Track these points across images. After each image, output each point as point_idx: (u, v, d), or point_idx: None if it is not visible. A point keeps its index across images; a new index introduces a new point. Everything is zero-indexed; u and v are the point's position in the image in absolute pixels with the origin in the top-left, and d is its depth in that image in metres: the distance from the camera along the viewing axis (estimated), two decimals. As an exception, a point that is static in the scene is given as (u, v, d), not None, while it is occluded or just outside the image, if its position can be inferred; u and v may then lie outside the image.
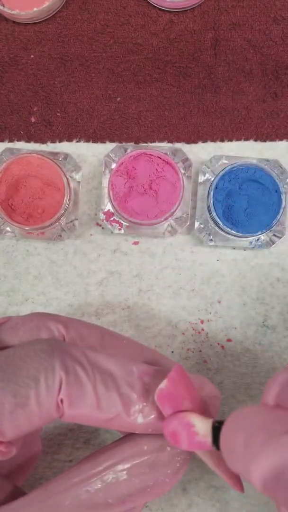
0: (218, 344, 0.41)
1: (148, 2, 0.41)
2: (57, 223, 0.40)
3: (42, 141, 0.42)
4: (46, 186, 0.39)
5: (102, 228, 0.41)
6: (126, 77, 0.42)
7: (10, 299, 0.41)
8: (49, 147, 0.42)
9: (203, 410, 0.30)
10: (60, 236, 0.40)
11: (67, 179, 0.39)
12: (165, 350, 0.41)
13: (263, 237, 0.40)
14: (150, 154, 0.39)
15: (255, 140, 0.42)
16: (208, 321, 0.41)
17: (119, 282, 0.41)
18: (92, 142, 0.42)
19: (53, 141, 0.42)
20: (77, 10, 0.42)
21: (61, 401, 0.28)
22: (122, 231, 0.40)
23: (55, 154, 0.40)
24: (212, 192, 0.38)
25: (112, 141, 0.42)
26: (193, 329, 0.41)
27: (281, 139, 0.42)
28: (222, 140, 0.42)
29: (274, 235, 0.40)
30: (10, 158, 0.39)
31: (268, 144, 0.42)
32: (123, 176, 0.39)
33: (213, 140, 0.42)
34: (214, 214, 0.38)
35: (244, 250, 0.41)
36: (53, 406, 0.28)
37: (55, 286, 0.41)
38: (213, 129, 0.42)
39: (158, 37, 0.41)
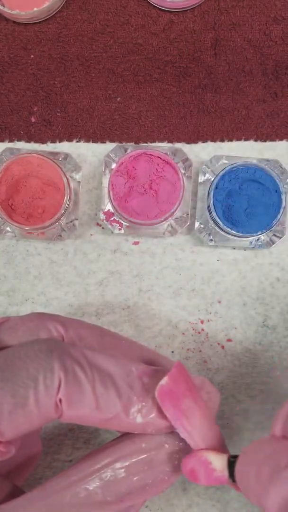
0: (218, 344, 0.41)
1: (148, 2, 0.41)
2: (57, 223, 0.40)
3: (42, 141, 0.42)
4: (46, 186, 0.39)
5: (102, 228, 0.41)
6: (126, 77, 0.42)
7: (10, 299, 0.41)
8: (49, 147, 0.42)
9: (204, 409, 0.30)
10: (60, 236, 0.40)
11: (67, 179, 0.39)
12: (165, 350, 0.41)
13: (263, 237, 0.40)
14: (150, 154, 0.39)
15: (255, 140, 0.42)
16: (208, 321, 0.41)
17: (119, 282, 0.41)
18: (92, 142, 0.42)
19: (53, 141, 0.42)
20: (77, 10, 0.42)
21: (60, 401, 0.28)
22: (122, 231, 0.40)
23: (55, 154, 0.40)
24: (212, 192, 0.38)
25: (112, 141, 0.42)
26: (193, 329, 0.41)
27: (281, 139, 0.42)
28: (222, 140, 0.42)
29: (274, 235, 0.40)
30: (10, 158, 0.39)
31: (268, 144, 0.42)
32: (123, 176, 0.39)
33: (213, 140, 0.42)
34: (214, 214, 0.38)
35: (244, 250, 0.41)
36: (52, 406, 0.28)
37: (55, 286, 0.41)
38: (213, 129, 0.42)
39: (158, 37, 0.41)
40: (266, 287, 0.41)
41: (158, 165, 0.39)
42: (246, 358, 0.41)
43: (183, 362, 0.41)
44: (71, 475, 0.30)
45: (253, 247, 0.40)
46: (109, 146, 0.42)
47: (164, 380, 0.29)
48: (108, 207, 0.40)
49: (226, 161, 0.40)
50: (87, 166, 0.42)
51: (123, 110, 0.42)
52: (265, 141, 0.42)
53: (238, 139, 0.42)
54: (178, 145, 0.42)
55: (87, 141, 0.42)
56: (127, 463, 0.30)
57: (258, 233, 0.38)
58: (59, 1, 0.41)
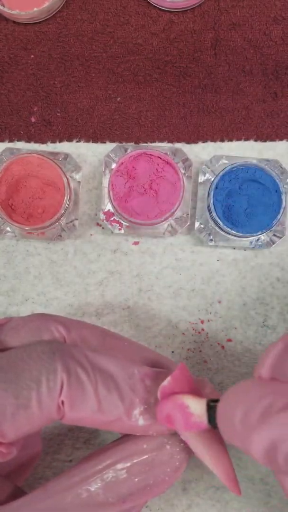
0: (218, 344, 0.41)
1: (148, 2, 0.41)
2: (57, 223, 0.40)
3: (42, 141, 0.42)
4: (46, 186, 0.39)
5: (102, 228, 0.41)
6: (126, 77, 0.42)
7: (10, 299, 0.41)
8: (49, 147, 0.42)
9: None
10: (60, 236, 0.40)
11: (67, 179, 0.39)
12: (165, 350, 0.41)
13: (263, 237, 0.40)
14: (150, 154, 0.39)
15: (255, 140, 0.42)
16: (208, 321, 0.41)
17: (119, 282, 0.41)
18: (92, 142, 0.42)
19: (53, 141, 0.42)
20: (77, 10, 0.42)
21: (62, 403, 0.28)
22: (122, 231, 0.40)
23: (55, 154, 0.40)
24: (212, 192, 0.38)
25: (112, 141, 0.42)
26: (193, 329, 0.41)
27: (281, 139, 0.42)
28: (222, 140, 0.42)
29: (274, 235, 0.40)
30: (10, 158, 0.39)
31: (268, 144, 0.42)
32: (123, 176, 0.39)
33: (213, 140, 0.42)
34: (214, 214, 0.38)
35: (244, 250, 0.41)
36: (54, 408, 0.28)
37: (55, 286, 0.41)
38: (213, 129, 0.42)
39: (158, 37, 0.41)
40: (266, 287, 0.41)
41: (158, 165, 0.39)
42: (246, 358, 0.41)
43: (183, 362, 0.41)
44: (73, 476, 0.30)
45: (253, 247, 0.40)
46: (109, 146, 0.42)
47: (167, 381, 0.29)
48: (108, 207, 0.40)
49: (226, 161, 0.40)
50: (87, 166, 0.42)
51: (123, 110, 0.42)
52: (265, 141, 0.42)
53: (238, 139, 0.42)
54: (178, 145, 0.42)
55: (87, 141, 0.42)
56: (128, 464, 0.30)
57: (258, 233, 0.38)
58: (59, 1, 0.41)
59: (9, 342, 0.31)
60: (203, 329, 0.41)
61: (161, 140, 0.42)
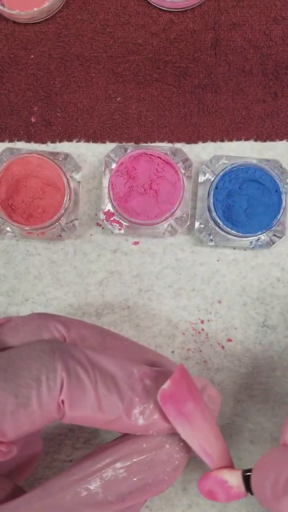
0: (218, 344, 0.41)
1: (148, 2, 0.41)
2: (57, 223, 0.40)
3: (42, 141, 0.42)
4: (46, 186, 0.39)
5: (102, 228, 0.41)
6: (126, 77, 0.42)
7: (10, 299, 0.41)
8: (49, 147, 0.42)
9: (205, 412, 0.30)
10: (60, 236, 0.40)
11: (67, 179, 0.39)
12: (165, 350, 0.41)
13: (263, 237, 0.40)
14: (150, 154, 0.39)
15: (255, 140, 0.42)
16: (208, 321, 0.41)
17: (119, 282, 0.41)
18: (92, 142, 0.42)
19: (53, 141, 0.42)
20: (77, 10, 0.42)
21: (62, 402, 0.28)
22: (122, 231, 0.40)
23: (55, 154, 0.40)
24: (212, 192, 0.38)
25: (112, 141, 0.42)
26: (193, 329, 0.41)
27: (281, 139, 0.42)
28: (222, 140, 0.42)
29: (274, 235, 0.40)
30: (10, 158, 0.39)
31: (268, 144, 0.42)
32: (123, 176, 0.39)
33: (213, 140, 0.42)
34: (214, 214, 0.38)
35: (244, 250, 0.41)
36: (54, 407, 0.28)
37: (55, 286, 0.41)
38: (213, 129, 0.42)
39: (158, 37, 0.41)
40: (266, 287, 0.41)
41: (158, 165, 0.39)
42: (246, 358, 0.41)
43: (183, 362, 0.41)
44: (72, 474, 0.30)
45: (253, 247, 0.40)
46: (109, 146, 0.42)
47: (167, 384, 0.29)
48: (108, 207, 0.40)
49: (226, 161, 0.40)
50: (87, 166, 0.42)
51: (123, 110, 0.42)
52: (265, 141, 0.42)
53: (238, 139, 0.42)
54: (178, 145, 0.42)
55: (87, 141, 0.42)
56: (128, 463, 0.30)
57: (258, 233, 0.38)
58: (59, 1, 0.41)
59: (9, 341, 0.31)
60: (203, 329, 0.41)
61: (161, 140, 0.42)
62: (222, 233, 0.39)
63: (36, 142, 0.42)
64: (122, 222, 0.40)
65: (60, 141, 0.42)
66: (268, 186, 0.39)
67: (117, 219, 0.40)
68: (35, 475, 0.39)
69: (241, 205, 0.39)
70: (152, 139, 0.42)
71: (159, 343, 0.41)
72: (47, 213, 0.39)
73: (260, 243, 0.40)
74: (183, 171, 0.39)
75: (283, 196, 0.38)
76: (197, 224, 0.40)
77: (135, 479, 0.30)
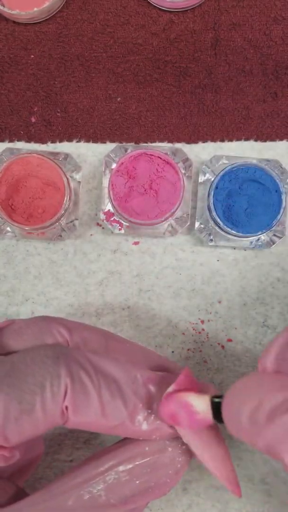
0: (219, 344, 0.41)
1: (148, 2, 0.41)
2: (57, 223, 0.40)
3: (42, 141, 0.42)
4: (46, 186, 0.39)
5: (103, 228, 0.41)
6: (126, 77, 0.42)
7: (10, 299, 0.41)
8: (49, 147, 0.42)
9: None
10: (60, 236, 0.40)
11: (67, 179, 0.39)
12: (165, 350, 0.41)
13: (263, 237, 0.40)
14: (151, 154, 0.39)
15: (255, 140, 0.42)
16: (209, 321, 0.41)
17: (119, 282, 0.41)
18: (92, 142, 0.42)
19: (53, 141, 0.42)
20: (77, 10, 0.42)
21: (66, 408, 0.28)
22: (122, 231, 0.40)
23: (55, 154, 0.40)
24: (212, 192, 0.38)
25: (112, 141, 0.42)
26: (194, 329, 0.41)
27: (281, 139, 0.42)
28: (222, 140, 0.42)
29: (275, 235, 0.40)
30: (10, 158, 0.39)
31: (268, 144, 0.42)
32: (124, 176, 0.39)
33: (213, 140, 0.42)
34: (214, 214, 0.38)
35: (245, 250, 0.41)
36: (58, 413, 0.28)
37: (55, 286, 0.41)
38: (213, 129, 0.42)
39: (158, 37, 0.41)
40: (266, 287, 0.41)
41: (158, 165, 0.39)
42: (246, 358, 0.41)
43: (183, 362, 0.41)
44: (75, 477, 0.30)
45: (253, 247, 0.40)
46: (109, 146, 0.42)
47: (172, 388, 0.29)
48: (108, 207, 0.40)
49: (226, 161, 0.40)
50: (87, 166, 0.42)
51: (123, 110, 0.42)
52: (265, 141, 0.42)
53: (238, 139, 0.42)
54: (178, 145, 0.42)
55: (87, 141, 0.42)
56: (130, 466, 0.30)
57: (258, 233, 0.38)
58: (59, 1, 0.41)
59: (12, 345, 0.31)
60: (203, 329, 0.41)
61: (161, 140, 0.42)
62: (222, 233, 0.39)
63: (36, 142, 0.42)
64: (122, 222, 0.40)
65: (60, 141, 0.42)
66: (268, 186, 0.39)
67: (117, 219, 0.40)
68: (35, 475, 0.39)
69: (241, 205, 0.39)
70: (152, 139, 0.42)
71: (159, 343, 0.41)
72: (47, 213, 0.39)
73: (260, 243, 0.40)
74: (183, 171, 0.39)
75: (283, 196, 0.38)
76: (197, 224, 0.40)
77: (137, 482, 0.30)
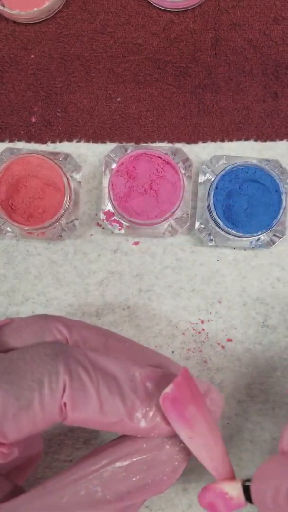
0: (219, 344, 0.41)
1: (148, 2, 0.41)
2: (57, 223, 0.40)
3: (43, 141, 0.42)
4: (47, 186, 0.39)
5: (103, 228, 0.41)
6: (126, 77, 0.42)
7: (10, 299, 0.41)
8: (50, 147, 0.42)
9: (207, 416, 0.30)
10: (61, 236, 0.40)
11: (67, 179, 0.39)
12: (165, 350, 0.41)
13: (263, 237, 0.40)
14: (151, 154, 0.39)
15: (255, 140, 0.42)
16: (209, 321, 0.41)
17: (119, 282, 0.41)
18: (93, 142, 0.42)
19: (53, 141, 0.42)
20: (78, 10, 0.42)
21: (65, 404, 0.28)
22: (122, 231, 0.40)
23: (55, 154, 0.40)
24: (212, 192, 0.38)
25: (112, 141, 0.42)
26: (194, 329, 0.41)
27: (281, 139, 0.42)
28: (222, 140, 0.42)
29: (275, 235, 0.40)
30: (11, 158, 0.39)
31: (268, 144, 0.42)
32: (124, 176, 0.39)
33: (213, 140, 0.42)
34: (214, 214, 0.38)
35: (245, 250, 0.41)
36: (56, 409, 0.28)
37: (55, 286, 0.41)
38: (213, 129, 0.42)
39: (158, 37, 0.41)
40: (266, 287, 0.41)
41: (158, 165, 0.39)
42: (246, 358, 0.41)
43: (183, 362, 0.41)
44: (72, 474, 0.30)
45: (254, 247, 0.40)
46: (109, 146, 0.42)
47: (169, 388, 0.29)
48: (108, 207, 0.40)
49: (226, 161, 0.40)
50: (87, 166, 0.42)
51: (123, 110, 0.42)
52: (265, 141, 0.42)
53: (238, 139, 0.42)
54: (178, 145, 0.42)
55: (87, 141, 0.42)
56: (127, 463, 0.30)
57: (258, 233, 0.38)
58: (59, 1, 0.41)
59: (11, 343, 0.31)
60: (203, 329, 0.41)
61: (161, 140, 0.42)
62: (222, 233, 0.39)
63: (36, 142, 0.42)
64: (122, 222, 0.40)
65: (60, 141, 0.42)
66: (268, 186, 0.39)
67: (117, 219, 0.40)
68: (35, 475, 0.40)
69: (241, 205, 0.39)
70: (152, 139, 0.42)
71: (159, 343, 0.41)
72: (47, 213, 0.39)
73: (260, 243, 0.40)
74: (183, 171, 0.39)
75: (283, 196, 0.38)
76: (197, 224, 0.40)
77: (134, 478, 0.30)
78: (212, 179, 0.39)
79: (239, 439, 0.40)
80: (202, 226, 0.40)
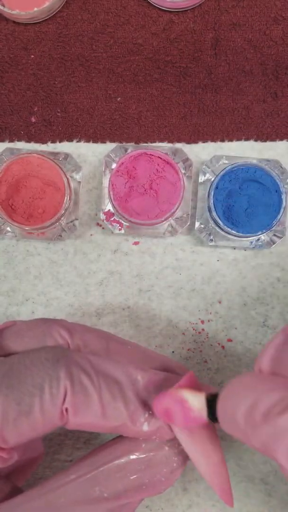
0: (219, 344, 0.41)
1: (148, 2, 0.41)
2: (57, 223, 0.40)
3: (43, 141, 0.42)
4: (47, 186, 0.39)
5: (103, 228, 0.41)
6: (126, 77, 0.42)
7: (10, 299, 0.41)
8: (50, 147, 0.42)
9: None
10: (61, 236, 0.40)
11: (67, 179, 0.39)
12: (165, 350, 0.41)
13: (263, 237, 0.40)
14: (151, 154, 0.39)
15: (255, 140, 0.42)
16: (209, 321, 0.41)
17: (119, 282, 0.41)
18: (93, 142, 0.42)
19: (53, 141, 0.42)
20: (78, 10, 0.42)
21: (66, 410, 0.28)
22: (122, 231, 0.40)
23: (55, 154, 0.40)
24: (212, 192, 0.38)
25: (112, 141, 0.42)
26: (194, 329, 0.41)
27: (281, 139, 0.42)
28: (222, 140, 0.42)
29: (275, 235, 0.40)
30: (11, 158, 0.39)
31: (268, 144, 0.42)
32: (124, 176, 0.39)
33: (214, 140, 0.42)
34: (214, 214, 0.38)
35: (245, 250, 0.41)
36: (57, 414, 0.28)
37: (55, 286, 0.41)
38: (213, 129, 0.42)
39: (158, 37, 0.41)
40: (266, 287, 0.41)
41: (158, 165, 0.39)
42: (247, 358, 0.41)
43: (183, 362, 0.41)
44: (70, 473, 0.30)
45: (254, 247, 0.40)
46: (109, 146, 0.42)
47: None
48: (109, 207, 0.40)
49: (226, 161, 0.40)
50: (87, 166, 0.42)
51: (123, 110, 0.42)
52: (265, 141, 0.42)
53: (238, 139, 0.42)
54: (178, 145, 0.42)
55: (87, 141, 0.42)
56: (125, 461, 0.30)
57: (259, 233, 0.38)
58: (59, 1, 0.41)
59: (12, 347, 0.31)
60: (203, 329, 0.41)
61: (161, 140, 0.42)
62: (222, 233, 0.39)
63: (36, 142, 0.42)
64: (122, 222, 0.40)
65: (60, 141, 0.42)
66: (268, 186, 0.39)
67: (117, 219, 0.40)
68: (35, 475, 0.40)
69: (241, 205, 0.39)
70: (152, 139, 0.42)
71: (159, 343, 0.41)
72: (47, 213, 0.39)
73: (260, 243, 0.40)
74: (183, 171, 0.39)
75: (283, 196, 0.38)
76: (197, 224, 0.40)
77: (131, 477, 0.30)
78: (212, 179, 0.39)
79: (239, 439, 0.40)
80: (202, 226, 0.40)
